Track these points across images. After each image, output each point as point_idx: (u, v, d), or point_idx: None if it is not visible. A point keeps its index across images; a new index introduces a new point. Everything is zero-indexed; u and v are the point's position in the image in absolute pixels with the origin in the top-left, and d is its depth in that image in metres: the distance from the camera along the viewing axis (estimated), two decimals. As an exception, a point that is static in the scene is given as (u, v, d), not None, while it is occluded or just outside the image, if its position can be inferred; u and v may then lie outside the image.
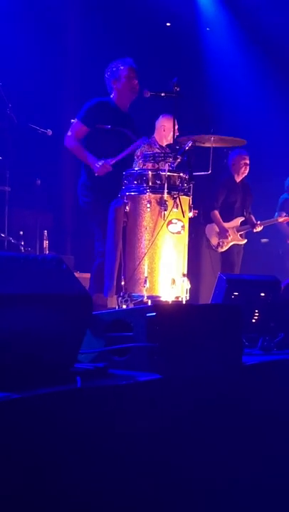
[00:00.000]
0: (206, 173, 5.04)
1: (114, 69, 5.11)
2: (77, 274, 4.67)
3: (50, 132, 6.31)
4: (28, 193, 6.84)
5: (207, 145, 5.27)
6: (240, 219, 7.00)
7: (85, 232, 5.82)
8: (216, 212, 6.93)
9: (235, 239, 6.95)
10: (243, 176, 7.04)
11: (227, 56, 9.00)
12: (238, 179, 7.03)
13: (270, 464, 2.72)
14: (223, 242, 6.92)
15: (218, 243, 6.93)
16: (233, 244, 6.97)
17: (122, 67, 5.08)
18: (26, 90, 7.11)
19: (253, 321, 3.56)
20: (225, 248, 6.95)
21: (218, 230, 6.92)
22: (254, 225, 6.98)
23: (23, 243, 6.33)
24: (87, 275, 5.20)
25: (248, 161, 6.98)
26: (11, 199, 6.46)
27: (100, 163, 4.81)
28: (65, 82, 8.15)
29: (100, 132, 4.98)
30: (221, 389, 2.50)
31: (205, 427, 2.37)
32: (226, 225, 6.93)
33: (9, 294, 1.94)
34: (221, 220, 6.92)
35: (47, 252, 6.42)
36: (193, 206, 4.58)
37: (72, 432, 1.86)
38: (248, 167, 7.00)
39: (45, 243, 6.48)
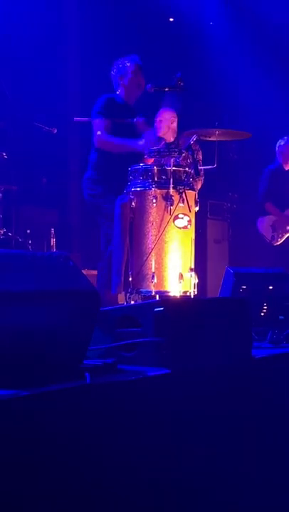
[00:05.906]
0: (211, 166, 5.02)
1: (120, 65, 5.16)
2: (84, 272, 4.64)
3: (55, 130, 6.30)
4: (34, 192, 6.86)
5: (212, 139, 5.25)
6: None
7: (92, 230, 5.82)
8: (270, 204, 6.75)
9: None
10: None
11: (231, 50, 8.97)
12: (288, 167, 6.93)
13: (281, 457, 2.71)
14: (278, 235, 6.69)
15: (273, 236, 6.70)
16: None
17: (128, 64, 5.14)
18: (30, 89, 7.11)
19: (262, 314, 3.56)
20: (280, 241, 6.71)
21: (271, 222, 6.71)
22: None
23: (30, 242, 6.33)
24: (95, 272, 5.20)
25: None
26: (18, 198, 6.47)
27: (142, 142, 4.74)
28: (68, 80, 8.15)
29: (116, 126, 4.99)
30: (231, 382, 2.49)
31: (215, 421, 2.37)
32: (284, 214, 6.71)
33: (17, 292, 1.94)
34: (277, 210, 6.71)
35: (54, 250, 6.42)
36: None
37: (81, 428, 1.86)
38: None
39: (53, 241, 6.49)
